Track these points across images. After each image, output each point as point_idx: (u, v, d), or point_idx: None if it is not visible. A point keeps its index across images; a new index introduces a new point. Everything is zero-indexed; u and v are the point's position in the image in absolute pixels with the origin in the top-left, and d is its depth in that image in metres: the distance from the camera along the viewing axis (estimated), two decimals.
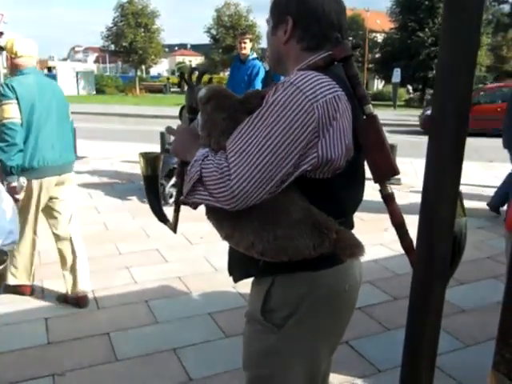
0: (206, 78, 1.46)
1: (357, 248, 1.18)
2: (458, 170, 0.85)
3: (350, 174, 1.24)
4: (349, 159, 1.20)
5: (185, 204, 1.25)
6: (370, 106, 1.23)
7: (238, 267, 1.39)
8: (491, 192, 6.67)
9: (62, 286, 3.37)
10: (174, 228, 1.55)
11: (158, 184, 1.60)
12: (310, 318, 1.28)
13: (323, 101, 1.11)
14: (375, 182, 1.23)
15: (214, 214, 1.23)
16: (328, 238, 1.16)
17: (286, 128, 1.10)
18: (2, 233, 1.66)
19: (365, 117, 1.22)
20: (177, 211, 1.52)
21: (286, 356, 1.30)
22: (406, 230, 1.24)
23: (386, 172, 1.21)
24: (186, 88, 1.46)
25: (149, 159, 1.53)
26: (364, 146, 1.21)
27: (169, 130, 1.44)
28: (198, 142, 1.25)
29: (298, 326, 1.28)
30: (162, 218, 1.59)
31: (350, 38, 1.38)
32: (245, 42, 5.27)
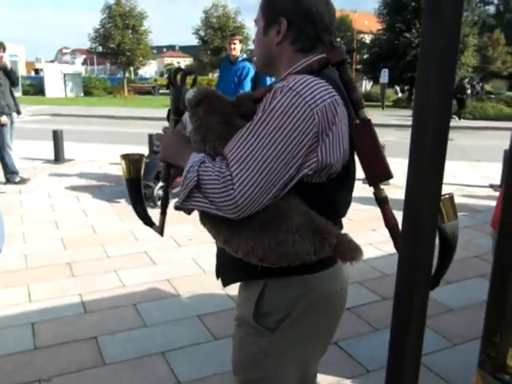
0: (189, 79, 1.43)
1: (356, 252, 1.18)
2: (441, 168, 0.85)
3: (343, 177, 1.25)
4: (343, 163, 1.20)
5: (179, 209, 1.23)
6: (365, 110, 1.23)
7: (228, 271, 1.38)
8: (478, 191, 6.73)
9: (50, 290, 3.34)
10: (160, 231, 1.53)
11: (141, 186, 1.55)
12: (302, 321, 1.28)
13: (322, 106, 1.11)
14: (369, 184, 1.24)
15: (210, 220, 1.21)
16: (328, 243, 1.16)
17: (287, 135, 1.10)
18: None
19: (359, 121, 1.21)
20: (163, 214, 1.50)
21: (277, 359, 1.30)
22: (400, 232, 1.24)
23: (381, 175, 1.21)
24: (171, 91, 1.43)
25: (131, 161, 1.49)
26: (359, 149, 1.22)
27: (157, 137, 1.40)
28: (188, 146, 1.24)
29: (290, 328, 1.28)
30: (147, 221, 1.56)
31: (338, 39, 1.38)
32: (234, 43, 5.27)
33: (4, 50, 6.33)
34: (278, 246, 1.14)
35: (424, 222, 0.87)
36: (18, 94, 32.35)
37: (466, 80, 20.22)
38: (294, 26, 1.25)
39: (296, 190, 1.17)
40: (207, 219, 1.22)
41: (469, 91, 22.89)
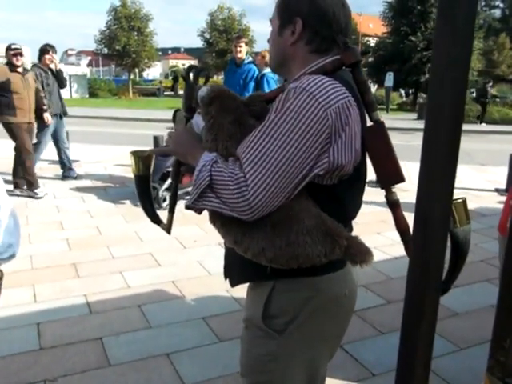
0: (202, 77, 1.42)
1: (367, 254, 1.17)
2: (453, 172, 0.85)
3: (355, 179, 1.24)
4: (355, 165, 1.20)
5: (191, 209, 1.22)
6: (378, 112, 1.23)
7: (237, 272, 1.37)
8: (484, 195, 6.71)
9: (55, 290, 3.35)
10: (168, 229, 1.52)
11: (150, 184, 1.55)
12: (311, 323, 1.28)
13: (336, 106, 1.11)
14: (381, 187, 1.23)
15: (220, 219, 1.20)
16: (339, 245, 1.15)
17: (301, 136, 1.09)
18: None
19: (372, 123, 1.21)
20: (171, 212, 1.49)
21: (286, 361, 1.29)
22: (411, 237, 1.23)
23: (393, 178, 1.21)
24: (184, 88, 1.41)
25: (140, 158, 1.48)
26: (371, 152, 1.21)
27: (169, 134, 1.41)
28: (200, 145, 1.23)
29: (299, 331, 1.27)
30: (154, 218, 1.55)
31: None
32: (240, 46, 5.29)
33: (55, 52, 6.59)
34: (288, 247, 1.13)
35: (435, 225, 0.86)
36: None
37: (490, 84, 20.11)
38: (309, 27, 1.24)
39: (307, 191, 1.17)
40: (217, 218, 1.21)
41: (474, 95, 22.86)
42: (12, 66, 5.76)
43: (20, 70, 5.83)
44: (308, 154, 1.11)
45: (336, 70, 1.21)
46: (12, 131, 5.89)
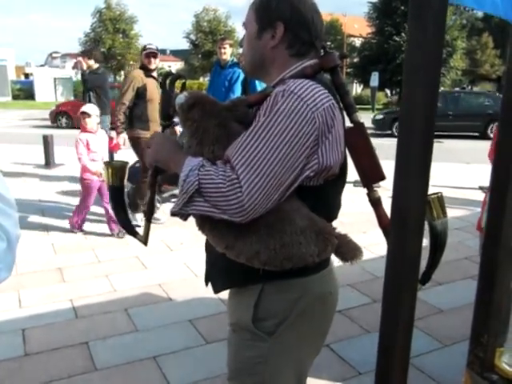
0: (178, 83, 1.42)
1: (357, 250, 1.21)
2: (427, 170, 0.86)
3: (338, 180, 1.27)
4: (340, 166, 1.23)
5: (176, 215, 1.19)
6: (357, 114, 1.27)
7: (221, 277, 1.37)
8: (468, 193, 6.79)
9: (41, 295, 3.32)
10: (144, 240, 1.49)
11: (124, 195, 1.52)
12: (300, 323, 1.29)
13: (322, 109, 1.14)
14: (363, 186, 1.27)
15: (210, 226, 1.18)
16: (331, 244, 1.18)
17: (291, 138, 1.11)
18: None
19: (352, 124, 1.25)
20: (149, 221, 1.47)
21: (275, 363, 1.30)
22: None
23: (374, 177, 1.25)
24: (161, 96, 1.39)
25: (114, 168, 1.46)
26: (352, 152, 1.25)
27: (147, 142, 1.38)
28: (181, 150, 1.23)
29: (288, 331, 1.28)
30: (129, 230, 1.51)
31: (328, 43, 1.41)
32: (225, 48, 5.29)
33: (89, 58, 6.48)
34: (283, 248, 1.14)
35: (411, 221, 0.88)
36: (7, 98, 32.10)
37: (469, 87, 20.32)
38: (290, 32, 1.27)
39: (296, 192, 1.19)
40: (206, 224, 1.19)
41: None
42: (146, 70, 4.95)
43: (155, 74, 5.04)
44: (298, 155, 1.13)
45: (316, 73, 1.24)
46: (139, 147, 4.84)
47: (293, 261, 1.16)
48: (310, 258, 1.17)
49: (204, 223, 1.20)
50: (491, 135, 12.08)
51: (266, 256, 1.15)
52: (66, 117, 16.80)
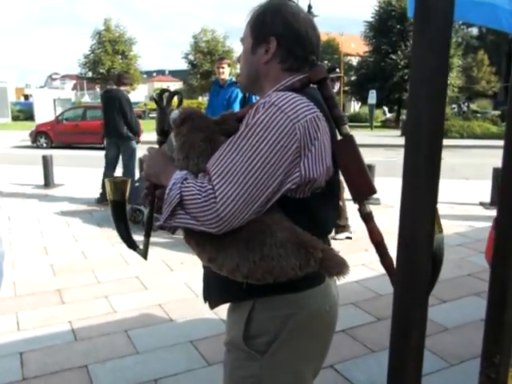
0: (175, 101, 1.44)
1: (343, 266, 1.16)
2: (435, 185, 0.84)
3: (327, 193, 1.25)
4: (327, 179, 1.21)
5: (163, 229, 1.22)
6: (347, 126, 1.25)
7: (214, 293, 1.36)
8: (468, 209, 6.76)
9: (39, 318, 3.27)
10: (144, 254, 1.51)
11: (126, 210, 1.54)
12: (293, 341, 1.26)
13: (304, 121, 1.13)
14: (354, 201, 1.24)
15: (194, 238, 1.20)
16: (314, 257, 1.15)
17: (269, 149, 1.10)
18: None
19: (341, 137, 1.23)
20: (147, 236, 1.49)
21: (270, 382, 1.27)
22: (386, 249, 1.23)
23: (365, 191, 1.23)
24: (157, 112, 1.44)
25: (115, 183, 1.49)
26: (342, 165, 1.23)
27: (143, 157, 1.42)
28: (172, 165, 1.24)
29: (281, 350, 1.25)
30: (130, 244, 1.54)
31: (326, 62, 1.41)
32: (223, 67, 5.35)
33: (120, 84, 6.67)
34: (262, 260, 1.13)
35: (420, 240, 0.86)
36: (7, 119, 32.22)
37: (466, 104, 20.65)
38: (283, 47, 1.27)
39: (280, 205, 1.17)
40: (191, 237, 1.21)
41: (455, 110, 23.27)
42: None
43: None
44: (277, 167, 1.11)
45: (304, 86, 1.24)
46: None
47: (274, 274, 1.14)
48: (292, 272, 1.14)
49: (189, 236, 1.21)
50: None
51: (246, 269, 1.14)
52: (45, 136, 16.92)
